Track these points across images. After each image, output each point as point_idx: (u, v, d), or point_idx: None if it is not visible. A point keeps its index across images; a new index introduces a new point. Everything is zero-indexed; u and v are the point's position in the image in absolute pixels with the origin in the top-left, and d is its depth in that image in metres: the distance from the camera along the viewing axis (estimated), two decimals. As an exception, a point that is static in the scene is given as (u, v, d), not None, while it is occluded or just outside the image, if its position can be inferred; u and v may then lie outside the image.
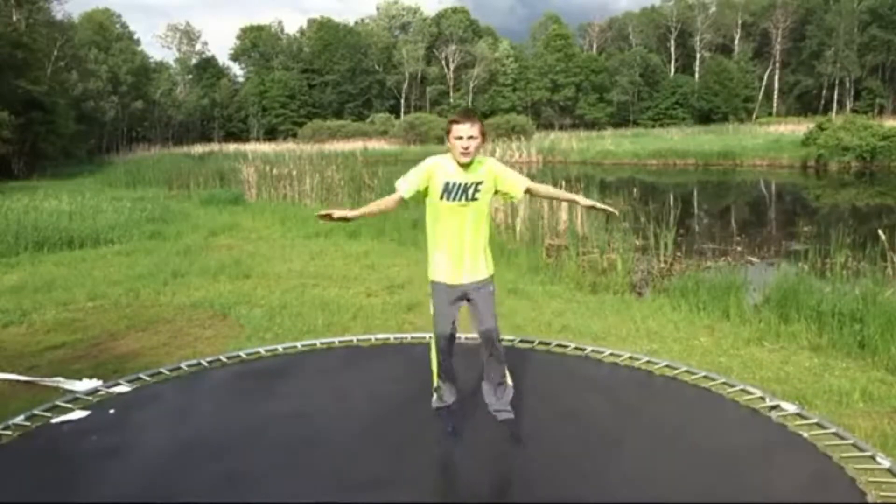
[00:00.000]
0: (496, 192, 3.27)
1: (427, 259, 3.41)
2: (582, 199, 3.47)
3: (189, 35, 74.06)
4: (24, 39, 30.74)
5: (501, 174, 3.19)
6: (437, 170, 3.09)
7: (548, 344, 5.34)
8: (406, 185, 3.14)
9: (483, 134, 3.05)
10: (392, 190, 3.18)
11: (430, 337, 3.42)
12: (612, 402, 4.21)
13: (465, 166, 3.06)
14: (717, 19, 70.22)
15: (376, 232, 11.44)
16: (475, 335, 3.47)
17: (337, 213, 3.05)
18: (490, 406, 3.30)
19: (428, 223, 3.26)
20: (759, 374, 4.78)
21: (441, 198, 3.08)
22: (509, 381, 3.33)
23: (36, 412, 4.09)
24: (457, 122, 3.02)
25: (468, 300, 3.26)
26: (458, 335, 3.45)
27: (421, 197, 3.18)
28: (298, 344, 5.40)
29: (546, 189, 3.55)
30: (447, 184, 3.06)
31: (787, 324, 5.84)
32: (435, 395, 3.57)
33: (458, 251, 3.16)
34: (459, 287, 3.22)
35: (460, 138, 2.99)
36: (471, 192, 3.07)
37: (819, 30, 61.80)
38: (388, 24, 75.12)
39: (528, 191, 3.31)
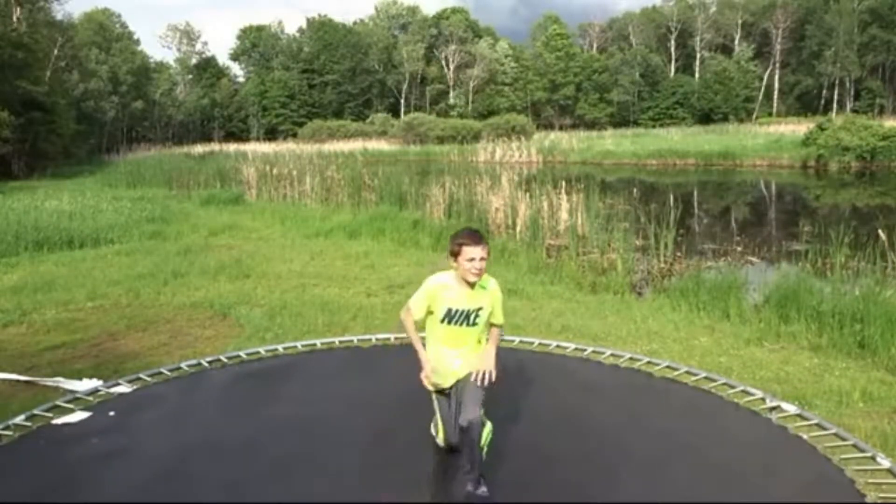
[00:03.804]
0: None
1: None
2: (482, 362, 3.22)
3: (189, 35, 74.04)
4: (24, 39, 30.74)
5: (497, 305, 3.23)
6: (440, 293, 3.13)
7: (548, 345, 5.34)
8: (416, 308, 3.22)
9: (488, 253, 3.10)
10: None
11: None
12: (613, 404, 4.22)
13: (471, 285, 3.10)
14: (718, 19, 70.18)
15: (376, 232, 11.44)
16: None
17: (427, 373, 3.22)
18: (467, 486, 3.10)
19: (428, 334, 3.29)
20: (759, 374, 4.78)
21: (442, 321, 3.14)
22: (484, 487, 3.09)
23: (36, 412, 4.10)
24: (467, 244, 3.03)
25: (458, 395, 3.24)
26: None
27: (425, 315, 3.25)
28: (299, 344, 5.40)
29: (492, 338, 3.35)
30: (450, 310, 3.12)
31: (787, 324, 5.84)
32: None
33: (454, 364, 3.21)
34: (453, 387, 3.28)
35: (472, 259, 3.02)
36: (472, 318, 3.13)
37: (819, 30, 61.77)
38: (387, 24, 75.11)
39: (492, 326, 3.34)
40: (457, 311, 3.10)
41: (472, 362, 3.18)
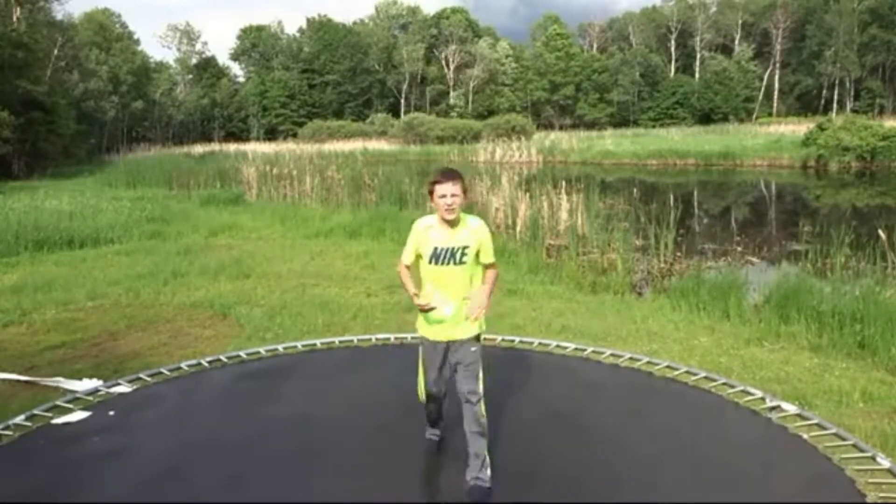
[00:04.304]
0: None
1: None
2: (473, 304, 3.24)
3: (189, 35, 74.03)
4: (24, 39, 30.72)
5: (485, 243, 3.24)
6: (425, 234, 3.20)
7: (548, 345, 5.34)
8: (405, 253, 3.29)
9: (465, 191, 3.16)
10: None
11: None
12: (613, 404, 4.22)
13: (452, 224, 3.15)
14: (718, 19, 70.17)
15: (376, 232, 11.44)
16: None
17: (422, 299, 3.20)
18: (467, 474, 3.15)
19: (422, 279, 3.32)
20: (759, 374, 4.78)
21: (430, 262, 3.19)
22: (487, 458, 3.17)
23: (36, 412, 4.10)
24: (439, 182, 3.12)
25: (453, 360, 3.26)
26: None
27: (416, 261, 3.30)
28: (299, 344, 5.40)
29: (486, 280, 3.35)
30: (435, 249, 3.17)
31: (787, 324, 5.84)
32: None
33: (443, 310, 3.21)
34: (444, 344, 3.27)
35: (443, 196, 3.09)
36: (458, 256, 3.17)
37: (819, 30, 61.75)
38: (387, 24, 75.13)
39: (488, 266, 3.32)
40: (442, 249, 3.16)
41: (468, 323, 3.20)
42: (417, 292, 3.20)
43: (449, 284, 3.20)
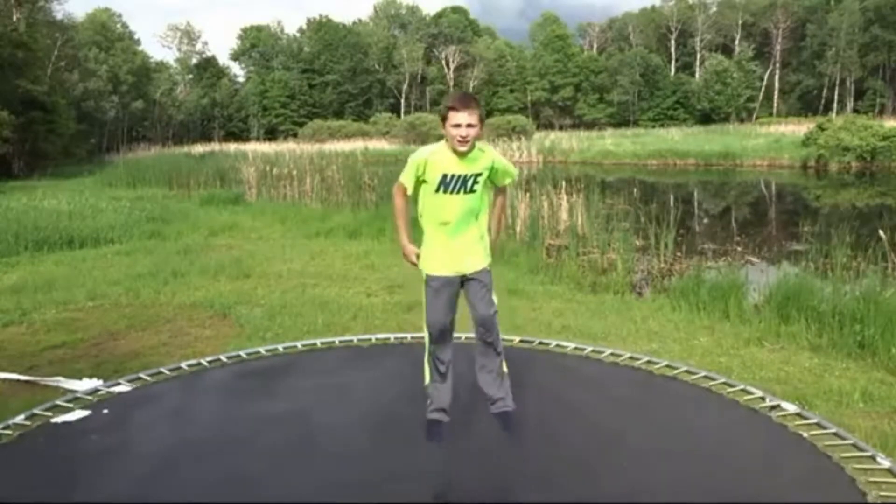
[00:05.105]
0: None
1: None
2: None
3: (189, 35, 74.10)
4: (24, 39, 30.72)
5: (500, 167, 3.04)
6: (432, 161, 2.93)
7: (548, 344, 5.34)
8: (406, 178, 3.02)
9: (482, 120, 2.88)
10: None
11: (425, 337, 3.26)
12: (613, 403, 4.21)
13: (463, 155, 2.89)
14: (718, 19, 70.19)
15: (376, 232, 11.44)
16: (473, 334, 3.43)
17: (412, 258, 3.10)
18: (491, 396, 3.09)
19: (423, 214, 3.09)
20: (759, 374, 4.78)
21: (437, 190, 2.94)
22: (506, 369, 3.13)
23: (36, 412, 4.09)
24: (454, 108, 2.84)
25: (465, 289, 3.11)
26: (457, 334, 3.40)
27: (417, 187, 3.04)
28: (299, 344, 5.40)
29: (496, 211, 3.27)
30: (445, 176, 2.91)
31: (787, 324, 5.84)
32: (429, 400, 3.40)
33: (455, 242, 3.02)
34: (457, 278, 3.07)
35: (458, 126, 2.82)
36: (469, 183, 2.93)
37: (820, 29, 61.77)
38: (387, 23, 75.14)
39: (499, 190, 3.19)
40: (452, 176, 2.90)
41: (479, 255, 3.07)
42: (415, 250, 3.01)
43: (456, 215, 2.96)
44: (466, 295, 3.11)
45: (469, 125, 2.83)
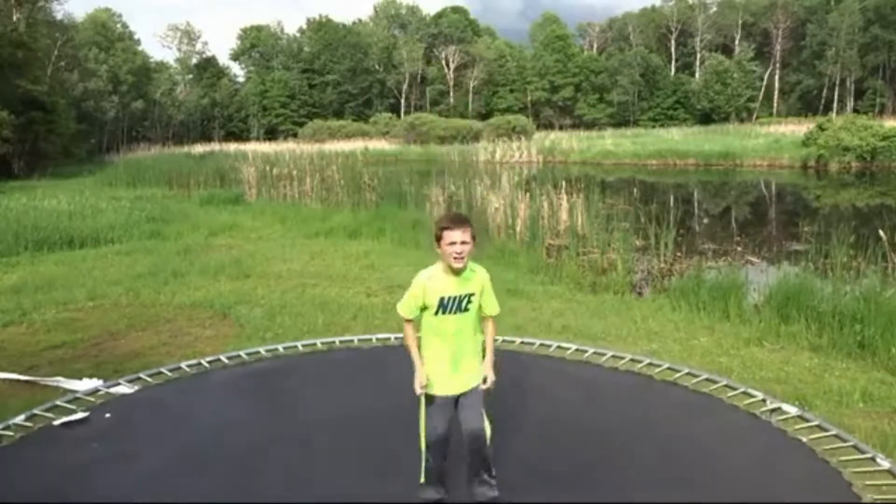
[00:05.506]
0: None
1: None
2: (487, 369, 3.21)
3: (189, 35, 74.09)
4: (24, 39, 30.73)
5: (487, 292, 3.16)
6: (430, 284, 3.06)
7: (549, 346, 5.33)
8: (408, 308, 3.14)
9: (474, 237, 3.02)
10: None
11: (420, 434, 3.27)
12: (614, 407, 4.21)
13: (459, 273, 3.03)
14: (718, 19, 70.19)
15: (376, 232, 11.44)
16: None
17: (420, 385, 3.10)
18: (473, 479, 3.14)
19: (423, 334, 3.20)
20: (759, 374, 4.78)
21: (437, 313, 3.07)
22: (494, 480, 3.13)
23: (36, 412, 4.09)
24: (448, 228, 2.97)
25: (458, 402, 3.17)
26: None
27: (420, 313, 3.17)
28: (299, 344, 5.40)
29: (487, 337, 3.28)
30: (442, 299, 3.05)
31: (787, 324, 5.84)
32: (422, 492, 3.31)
33: (456, 361, 3.13)
34: (454, 396, 3.16)
35: (453, 244, 2.95)
36: (464, 303, 3.08)
37: (820, 29, 61.76)
38: (387, 23, 75.14)
39: (484, 318, 3.24)
40: (450, 298, 3.04)
41: (472, 368, 3.13)
42: (424, 381, 3.08)
43: (455, 334, 3.09)
44: (458, 408, 3.16)
45: (464, 242, 2.97)
